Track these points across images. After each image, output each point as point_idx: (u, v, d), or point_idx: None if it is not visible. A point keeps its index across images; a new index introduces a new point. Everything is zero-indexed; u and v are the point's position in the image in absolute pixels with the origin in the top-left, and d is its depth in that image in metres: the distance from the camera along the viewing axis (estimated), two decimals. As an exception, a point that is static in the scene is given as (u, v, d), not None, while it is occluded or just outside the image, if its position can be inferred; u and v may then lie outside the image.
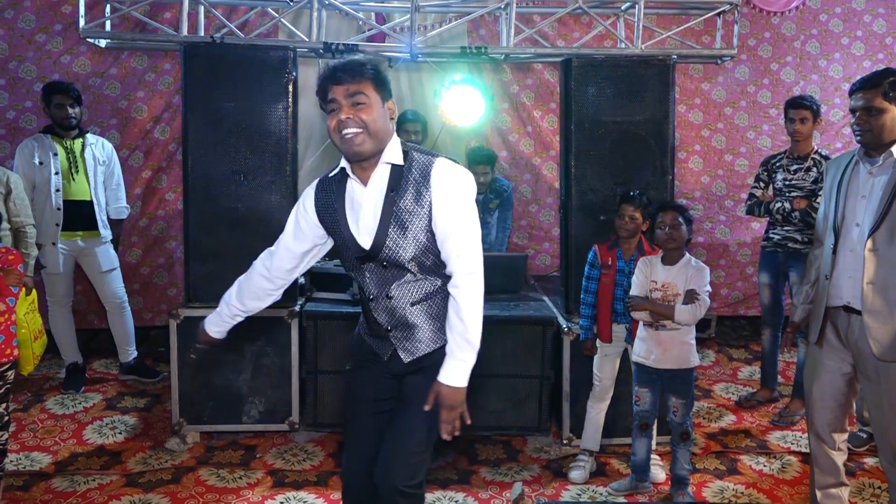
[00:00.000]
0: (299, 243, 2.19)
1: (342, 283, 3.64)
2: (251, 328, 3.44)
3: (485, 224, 4.48)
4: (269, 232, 3.46)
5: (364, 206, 2.04)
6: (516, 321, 3.51)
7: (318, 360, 3.51)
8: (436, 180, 1.98)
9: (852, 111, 2.52)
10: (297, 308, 3.51)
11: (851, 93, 2.54)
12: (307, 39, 3.66)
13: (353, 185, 2.06)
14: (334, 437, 3.61)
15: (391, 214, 1.99)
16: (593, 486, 3.18)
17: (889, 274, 2.41)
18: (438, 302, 2.08)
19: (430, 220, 1.99)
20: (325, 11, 3.81)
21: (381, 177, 2.02)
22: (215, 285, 3.47)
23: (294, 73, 3.46)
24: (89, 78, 4.69)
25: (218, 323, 2.30)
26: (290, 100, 3.44)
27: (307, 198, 2.16)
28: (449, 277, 2.02)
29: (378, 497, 2.10)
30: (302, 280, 3.70)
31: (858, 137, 2.52)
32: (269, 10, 4.08)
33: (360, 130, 1.93)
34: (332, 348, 3.51)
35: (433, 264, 2.05)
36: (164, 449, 3.47)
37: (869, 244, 2.44)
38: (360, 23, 4.23)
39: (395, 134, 2.06)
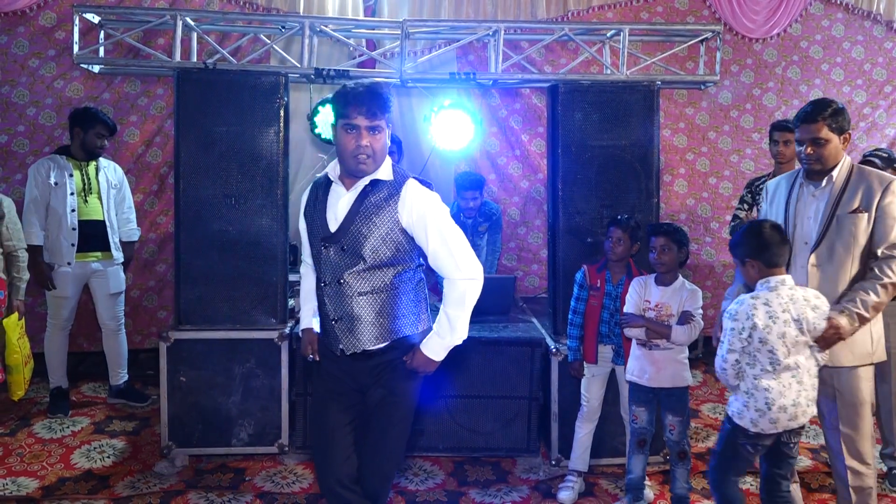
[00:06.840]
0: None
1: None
2: (241, 350, 3.50)
3: (475, 246, 4.49)
4: (259, 255, 3.51)
5: (340, 204, 2.29)
6: (505, 342, 3.54)
7: (307, 383, 3.52)
8: (405, 192, 2.24)
9: (799, 142, 2.66)
10: (286, 330, 3.53)
11: (797, 126, 2.66)
12: (298, 65, 3.72)
13: (337, 189, 2.32)
14: (324, 459, 3.60)
15: (360, 206, 2.24)
16: (582, 507, 3.19)
17: (830, 288, 2.56)
18: (385, 298, 2.26)
19: (395, 218, 2.22)
20: (317, 38, 3.88)
21: (363, 184, 2.27)
22: (206, 308, 3.51)
23: (285, 98, 3.52)
24: (82, 102, 4.71)
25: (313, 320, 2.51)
26: (282, 124, 3.49)
27: (301, 202, 2.46)
28: (399, 278, 2.27)
29: None
30: (292, 303, 3.73)
31: (812, 167, 2.64)
32: (261, 36, 4.15)
33: (370, 157, 2.21)
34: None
35: (388, 259, 2.24)
36: (152, 473, 3.46)
37: (812, 259, 2.60)
38: (351, 49, 4.30)
39: (387, 156, 2.32)
